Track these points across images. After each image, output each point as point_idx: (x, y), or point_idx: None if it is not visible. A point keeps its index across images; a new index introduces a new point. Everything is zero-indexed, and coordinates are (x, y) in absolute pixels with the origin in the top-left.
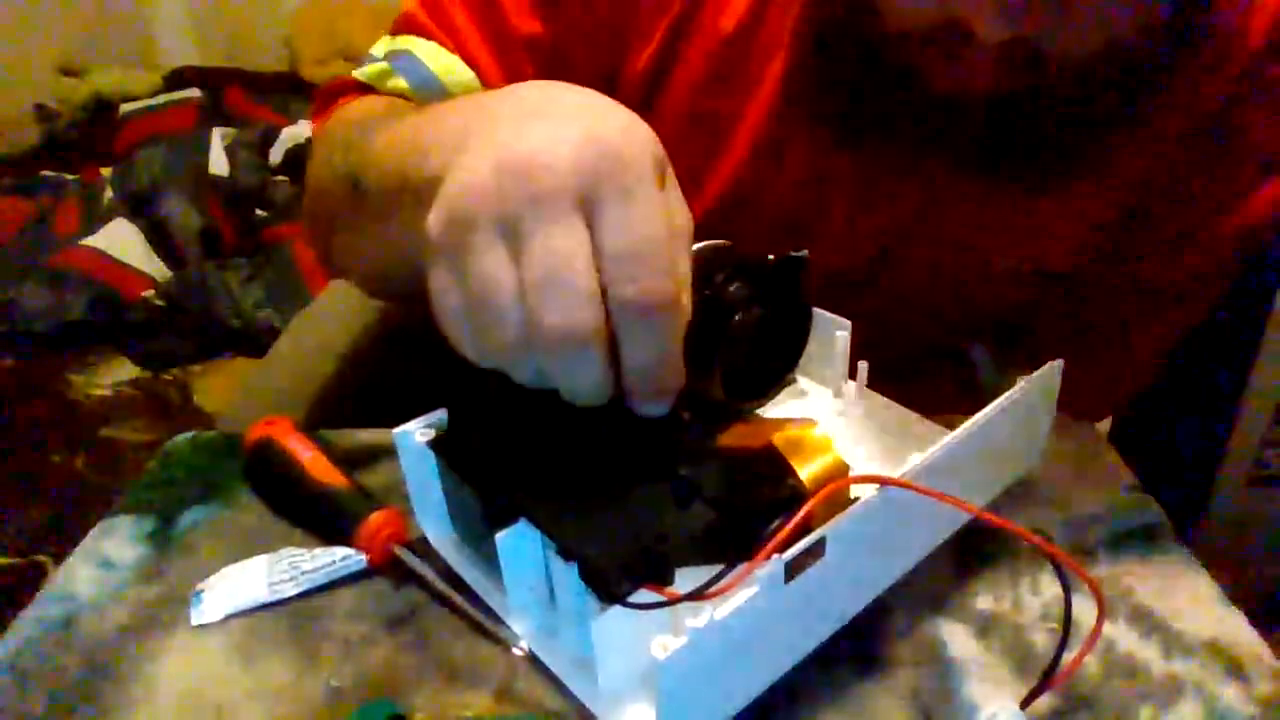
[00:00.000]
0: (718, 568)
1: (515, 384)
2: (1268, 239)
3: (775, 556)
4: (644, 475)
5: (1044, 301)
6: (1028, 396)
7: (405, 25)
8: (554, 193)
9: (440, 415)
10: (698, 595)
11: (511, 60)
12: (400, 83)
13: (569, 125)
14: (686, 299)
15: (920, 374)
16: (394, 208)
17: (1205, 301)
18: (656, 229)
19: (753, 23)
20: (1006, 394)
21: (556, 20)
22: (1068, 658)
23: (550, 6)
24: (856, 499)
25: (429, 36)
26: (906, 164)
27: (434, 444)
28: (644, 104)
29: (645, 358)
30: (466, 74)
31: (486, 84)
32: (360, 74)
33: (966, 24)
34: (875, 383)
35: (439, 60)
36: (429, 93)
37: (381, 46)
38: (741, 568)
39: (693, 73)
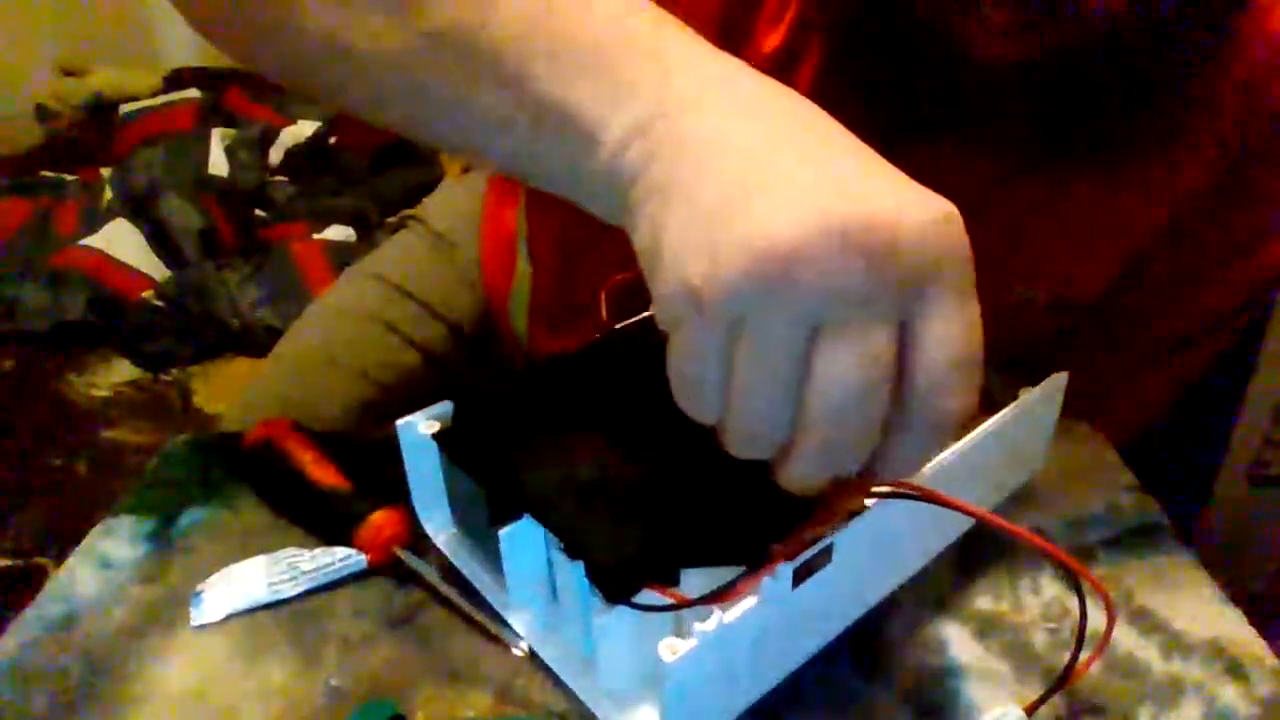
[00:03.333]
0: (720, 568)
1: (525, 383)
2: None
3: (784, 562)
4: (656, 474)
5: (1058, 338)
6: (1031, 408)
7: None
8: (892, 284)
9: (445, 408)
10: (707, 600)
11: None
12: None
13: (905, 187)
14: None
15: None
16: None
17: (1219, 347)
18: (979, 337)
19: (791, 42)
20: (1010, 406)
21: None
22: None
23: None
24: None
25: None
26: (941, 167)
27: (438, 436)
28: None
29: (917, 461)
30: None
31: None
32: None
33: None
34: None
35: None
36: None
37: None
38: (751, 575)
39: None
